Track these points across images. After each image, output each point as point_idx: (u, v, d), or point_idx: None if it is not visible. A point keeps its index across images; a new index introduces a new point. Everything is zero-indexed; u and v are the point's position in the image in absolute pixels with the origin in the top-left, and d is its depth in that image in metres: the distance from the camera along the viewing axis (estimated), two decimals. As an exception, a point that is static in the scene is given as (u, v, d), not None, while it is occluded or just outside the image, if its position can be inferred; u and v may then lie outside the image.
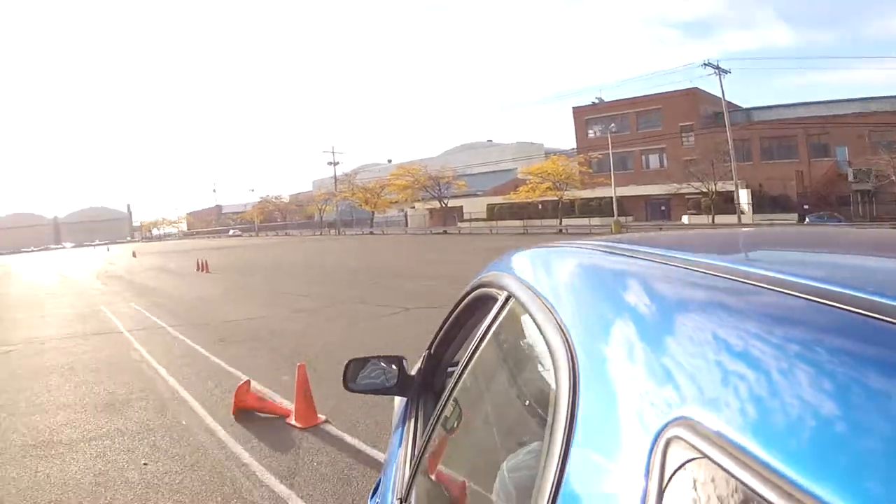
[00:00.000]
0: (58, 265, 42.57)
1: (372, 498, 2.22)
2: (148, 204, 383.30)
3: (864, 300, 0.57)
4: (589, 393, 0.75)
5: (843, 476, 0.42)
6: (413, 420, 2.15)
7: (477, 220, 65.90)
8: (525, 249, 1.57)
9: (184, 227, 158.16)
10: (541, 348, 0.99)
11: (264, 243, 61.35)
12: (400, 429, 2.27)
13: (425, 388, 2.31)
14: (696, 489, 0.53)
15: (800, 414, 0.48)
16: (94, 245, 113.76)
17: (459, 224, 65.83)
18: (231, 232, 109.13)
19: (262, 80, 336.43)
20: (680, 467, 0.54)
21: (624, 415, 0.66)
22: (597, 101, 60.55)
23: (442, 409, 1.63)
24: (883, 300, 0.56)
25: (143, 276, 26.09)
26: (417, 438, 1.94)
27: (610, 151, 49.75)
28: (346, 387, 2.36)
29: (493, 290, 1.53)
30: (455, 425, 1.59)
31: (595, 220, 51.77)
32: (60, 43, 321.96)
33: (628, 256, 1.07)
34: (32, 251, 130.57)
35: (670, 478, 0.55)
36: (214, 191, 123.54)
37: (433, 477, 1.57)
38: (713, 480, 0.51)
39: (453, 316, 2.10)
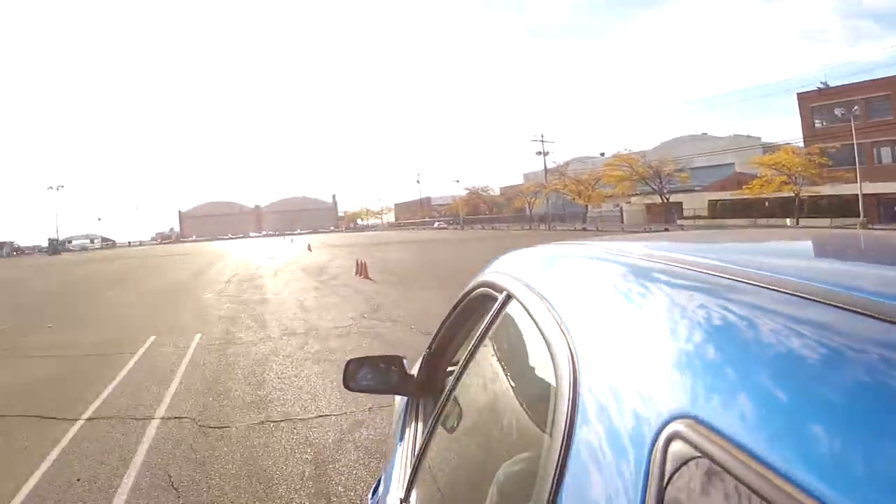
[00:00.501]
0: (201, 260, 42.08)
1: (372, 497, 2.23)
2: (353, 194, 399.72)
3: (865, 301, 0.57)
4: (589, 392, 0.75)
5: (843, 476, 0.42)
6: (413, 419, 2.20)
7: (699, 216, 60.98)
8: (524, 249, 1.63)
9: (390, 218, 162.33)
10: (540, 348, 0.99)
11: (468, 237, 59.41)
12: (400, 428, 2.35)
13: (425, 387, 2.33)
14: (696, 488, 0.53)
15: (800, 413, 0.48)
16: (284, 235, 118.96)
17: (680, 221, 60.67)
18: (436, 224, 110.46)
19: (472, 68, 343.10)
20: (680, 466, 0.54)
21: (624, 414, 0.67)
22: (822, 86, 55.11)
23: (442, 409, 1.68)
24: (884, 301, 0.56)
25: (274, 282, 21.54)
26: (417, 438, 1.96)
27: (854, 141, 44.52)
28: (345, 386, 2.40)
29: (492, 290, 1.57)
30: (455, 424, 1.63)
31: (836, 221, 46.68)
32: (269, 39, 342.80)
33: (628, 256, 1.08)
34: (230, 238, 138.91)
35: (671, 477, 0.55)
36: (418, 182, 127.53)
37: (433, 476, 1.60)
38: (713, 479, 0.51)
39: (453, 316, 2.15)
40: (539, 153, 79.57)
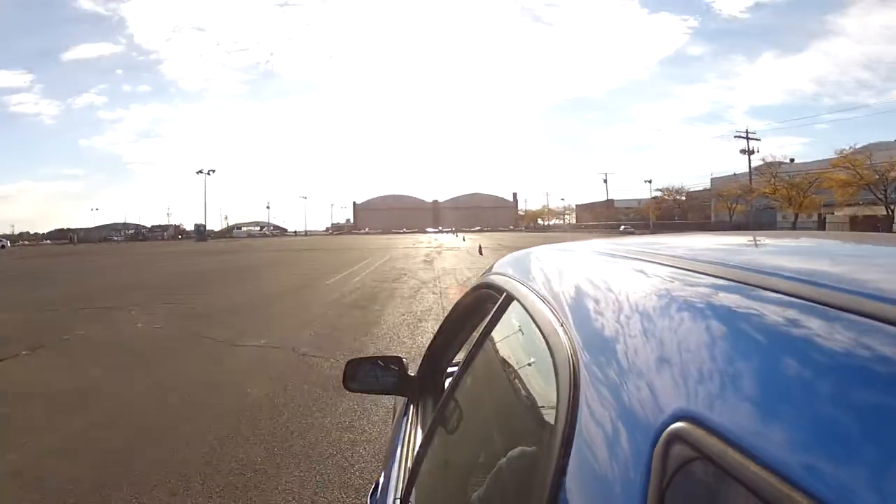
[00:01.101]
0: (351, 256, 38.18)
1: (371, 497, 2.22)
2: (535, 193, 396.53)
3: (867, 302, 0.58)
4: (589, 392, 0.76)
5: (843, 476, 0.43)
6: (413, 420, 2.23)
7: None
8: (524, 250, 1.66)
9: (573, 219, 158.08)
10: (541, 348, 0.99)
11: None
12: (400, 428, 2.36)
13: (425, 388, 2.36)
14: (697, 489, 0.54)
15: (801, 414, 0.49)
16: (457, 232, 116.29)
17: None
18: (622, 228, 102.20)
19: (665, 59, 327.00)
20: (681, 467, 0.55)
21: (624, 414, 0.67)
22: None
23: (442, 409, 1.70)
24: (885, 303, 0.57)
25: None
26: (417, 438, 1.99)
27: None
28: (345, 386, 2.43)
29: (492, 291, 1.60)
30: (455, 425, 1.64)
31: None
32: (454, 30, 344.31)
33: (629, 257, 1.09)
34: (404, 232, 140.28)
35: (671, 477, 0.56)
36: (605, 181, 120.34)
37: (432, 477, 1.62)
38: (714, 480, 0.52)
39: (453, 316, 2.23)
40: (743, 151, 69.77)
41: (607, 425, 0.69)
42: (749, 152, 68.25)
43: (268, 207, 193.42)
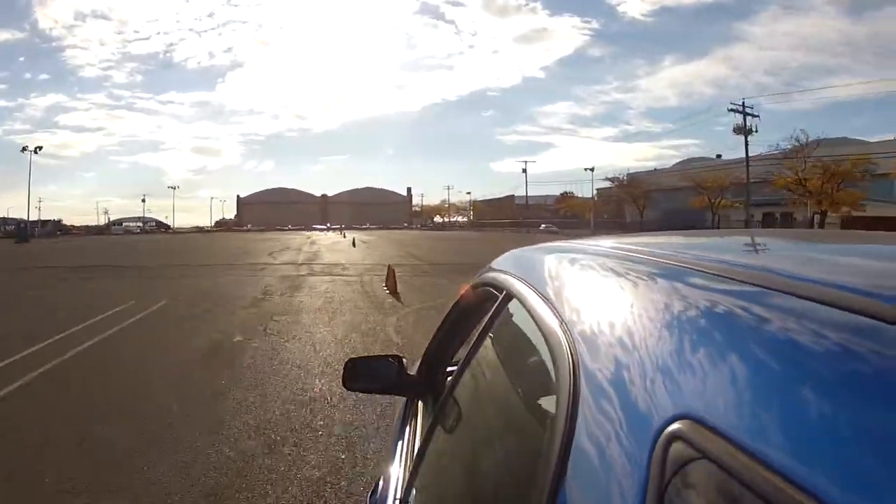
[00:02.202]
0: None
1: (371, 497, 2.22)
2: (435, 188, 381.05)
3: (867, 302, 0.59)
4: (589, 391, 0.77)
5: (844, 476, 0.43)
6: (412, 420, 2.25)
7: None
8: (524, 248, 1.67)
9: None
10: (540, 347, 1.01)
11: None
12: (399, 428, 2.38)
13: (425, 387, 2.36)
14: (697, 489, 0.54)
15: (802, 414, 0.49)
16: (343, 230, 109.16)
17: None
18: (543, 226, 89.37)
19: None
20: (681, 467, 0.55)
21: (624, 413, 0.68)
22: None
23: (441, 409, 1.72)
24: (885, 303, 0.58)
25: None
26: (417, 438, 2.01)
27: None
28: (345, 385, 2.43)
29: (492, 289, 1.61)
30: (454, 425, 1.64)
31: None
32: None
33: (629, 255, 1.10)
34: (288, 230, 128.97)
35: (671, 477, 0.56)
36: (524, 170, 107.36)
37: (432, 477, 1.64)
38: (714, 480, 0.52)
39: (453, 315, 2.23)
40: (738, 130, 52.88)
41: (607, 424, 0.70)
42: (746, 131, 52.35)
43: (143, 200, 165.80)
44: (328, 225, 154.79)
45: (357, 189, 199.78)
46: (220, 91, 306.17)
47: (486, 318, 1.55)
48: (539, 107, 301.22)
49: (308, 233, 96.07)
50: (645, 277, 0.91)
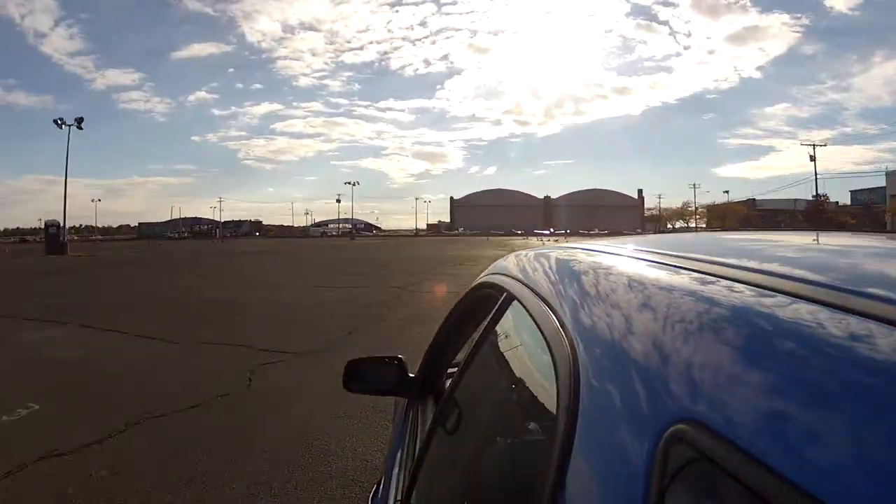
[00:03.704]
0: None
1: (373, 499, 2.26)
2: (674, 189, 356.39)
3: (869, 304, 0.58)
4: (590, 393, 0.77)
5: (845, 477, 0.43)
6: (413, 421, 2.25)
7: None
8: (525, 251, 1.69)
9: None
10: (541, 348, 1.01)
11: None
12: (400, 429, 2.39)
13: (425, 388, 2.38)
14: (698, 490, 0.55)
15: (803, 415, 0.49)
16: (567, 235, 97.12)
17: None
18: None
19: None
20: (682, 468, 0.56)
21: (625, 415, 0.68)
22: None
23: (442, 410, 1.74)
24: (886, 304, 0.58)
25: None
26: (418, 439, 2.01)
27: None
28: (345, 387, 2.43)
29: (493, 291, 1.64)
30: (455, 426, 1.65)
31: None
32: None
33: (630, 258, 1.12)
34: (504, 235, 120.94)
35: (672, 479, 0.56)
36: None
37: (433, 478, 1.64)
38: (716, 482, 0.52)
39: (454, 317, 2.29)
40: None
41: (608, 426, 0.70)
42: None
43: (338, 201, 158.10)
44: (551, 230, 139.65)
45: (582, 191, 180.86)
46: (439, 98, 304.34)
47: (487, 320, 1.56)
48: (758, 109, 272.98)
49: (525, 239, 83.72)
50: (646, 279, 0.91)
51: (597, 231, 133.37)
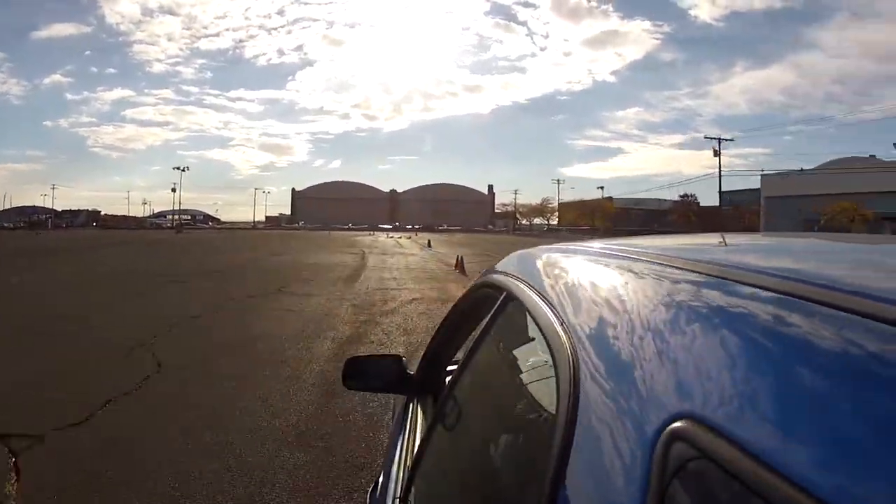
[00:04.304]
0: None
1: (371, 496, 2.27)
2: (530, 186, 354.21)
3: (866, 302, 0.59)
4: (589, 391, 0.77)
5: (844, 475, 0.43)
6: (412, 419, 2.26)
7: None
8: (525, 250, 1.69)
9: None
10: (541, 347, 1.03)
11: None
12: (399, 427, 2.38)
13: (425, 386, 2.39)
14: (697, 488, 0.55)
15: (801, 413, 0.50)
16: (413, 230, 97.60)
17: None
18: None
19: None
20: (681, 467, 0.56)
21: (624, 413, 0.69)
22: None
23: (441, 408, 1.73)
24: (884, 303, 0.58)
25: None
26: (417, 437, 2.03)
27: None
28: (345, 384, 2.47)
29: (492, 290, 1.64)
30: (454, 424, 1.66)
31: None
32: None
33: (629, 257, 1.11)
34: (346, 229, 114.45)
35: (671, 477, 0.56)
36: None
37: (432, 476, 1.65)
38: (715, 480, 0.52)
39: (453, 316, 2.29)
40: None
41: (607, 424, 0.71)
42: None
43: (173, 191, 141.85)
44: (396, 224, 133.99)
45: (431, 185, 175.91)
46: (289, 89, 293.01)
47: (486, 319, 1.56)
48: (609, 112, 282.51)
49: (372, 236, 78.00)
50: (645, 278, 0.93)
51: (446, 227, 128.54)
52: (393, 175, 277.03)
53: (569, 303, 1.02)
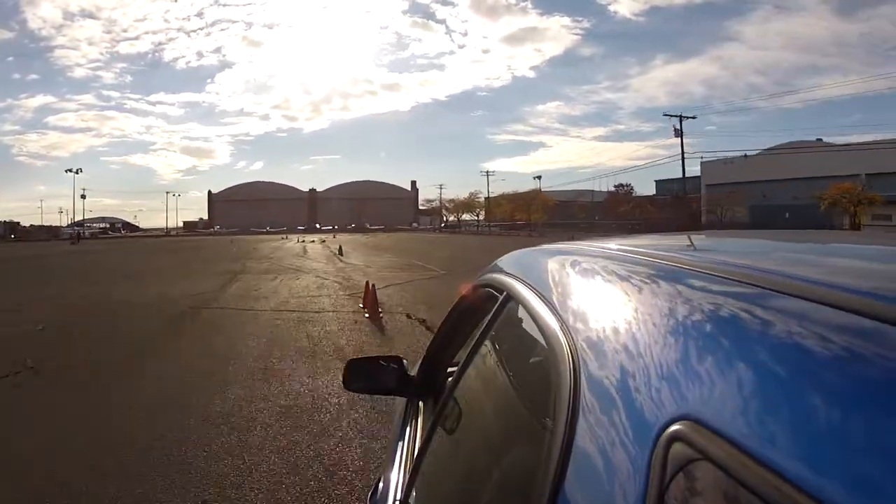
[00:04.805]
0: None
1: (371, 498, 2.23)
2: (456, 180, 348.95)
3: (867, 303, 0.59)
4: (589, 392, 0.78)
5: (844, 477, 0.43)
6: (412, 421, 2.27)
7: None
8: (524, 249, 1.73)
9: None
10: (541, 348, 1.03)
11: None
12: (399, 429, 2.39)
13: (425, 388, 2.39)
14: (697, 490, 0.55)
15: (802, 415, 0.50)
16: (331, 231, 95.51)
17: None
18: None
19: None
20: (681, 468, 0.56)
21: (624, 414, 0.69)
22: None
23: (442, 410, 1.73)
24: (885, 303, 0.58)
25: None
26: (417, 439, 2.04)
27: None
28: (345, 386, 2.47)
29: (492, 290, 1.65)
30: (455, 426, 1.67)
31: None
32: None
33: (629, 256, 1.13)
34: (266, 232, 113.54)
35: (671, 478, 0.56)
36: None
37: (432, 478, 1.65)
38: (715, 482, 0.52)
39: (453, 316, 2.28)
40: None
41: (607, 425, 0.71)
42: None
43: (83, 197, 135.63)
44: (317, 225, 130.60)
45: (351, 182, 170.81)
46: (209, 92, 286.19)
47: (486, 320, 1.56)
48: (529, 107, 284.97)
49: (285, 239, 72.33)
50: (645, 279, 0.93)
51: (368, 226, 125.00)
52: (316, 175, 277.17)
53: (569, 303, 1.02)
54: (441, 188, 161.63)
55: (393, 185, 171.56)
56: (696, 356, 0.65)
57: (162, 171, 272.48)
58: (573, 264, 1.22)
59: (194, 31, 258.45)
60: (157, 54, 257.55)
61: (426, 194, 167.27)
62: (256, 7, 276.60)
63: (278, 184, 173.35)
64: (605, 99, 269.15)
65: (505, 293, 1.44)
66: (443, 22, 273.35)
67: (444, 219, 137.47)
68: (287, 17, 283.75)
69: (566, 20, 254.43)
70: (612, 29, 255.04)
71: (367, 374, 2.44)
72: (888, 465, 0.42)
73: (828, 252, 1.21)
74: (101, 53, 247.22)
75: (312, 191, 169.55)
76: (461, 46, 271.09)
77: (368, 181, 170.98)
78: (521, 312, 1.23)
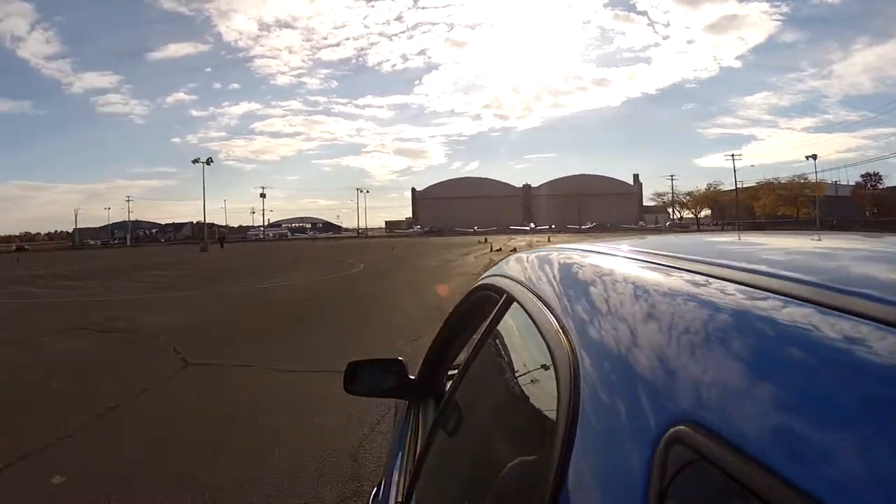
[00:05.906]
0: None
1: (373, 501, 2.27)
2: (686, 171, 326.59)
3: (868, 305, 0.59)
4: (590, 394, 0.78)
5: (846, 480, 0.43)
6: (413, 423, 2.27)
7: None
8: (525, 252, 1.72)
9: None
10: (541, 350, 1.03)
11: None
12: (400, 432, 2.41)
13: (426, 390, 2.39)
14: (698, 492, 0.56)
15: (802, 416, 0.50)
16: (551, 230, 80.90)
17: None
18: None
19: None
20: (681, 470, 0.56)
21: (625, 416, 0.69)
22: None
23: (442, 412, 1.75)
24: (885, 304, 0.58)
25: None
26: (418, 441, 2.03)
27: None
28: (346, 389, 2.46)
29: (493, 293, 1.66)
30: (455, 428, 1.67)
31: None
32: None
33: (630, 259, 1.12)
34: (475, 232, 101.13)
35: (671, 480, 0.57)
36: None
37: (433, 480, 1.65)
38: (715, 484, 0.53)
39: (454, 319, 2.30)
40: None
41: (608, 427, 0.71)
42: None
43: (262, 196, 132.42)
44: (532, 225, 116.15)
45: (569, 177, 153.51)
46: (418, 94, 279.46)
47: (487, 321, 1.58)
48: (737, 98, 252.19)
49: (494, 240, 58.00)
50: (645, 280, 0.93)
51: (590, 224, 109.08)
52: (532, 173, 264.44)
53: (569, 305, 1.03)
54: (672, 179, 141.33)
55: (613, 179, 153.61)
56: (697, 359, 0.65)
57: (376, 172, 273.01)
58: (574, 266, 1.23)
59: (395, 34, 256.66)
60: (360, 59, 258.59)
61: (653, 187, 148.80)
62: (456, 8, 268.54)
63: (488, 179, 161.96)
64: (810, 87, 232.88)
65: (506, 295, 1.45)
66: (644, 13, 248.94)
67: (673, 216, 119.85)
68: (487, 16, 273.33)
69: (765, 5, 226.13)
70: (811, 13, 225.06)
71: (366, 377, 2.42)
72: (886, 465, 0.42)
73: (829, 253, 1.20)
74: (303, 61, 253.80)
75: (526, 186, 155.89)
76: (665, 38, 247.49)
77: (585, 175, 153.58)
78: (522, 314, 1.23)
